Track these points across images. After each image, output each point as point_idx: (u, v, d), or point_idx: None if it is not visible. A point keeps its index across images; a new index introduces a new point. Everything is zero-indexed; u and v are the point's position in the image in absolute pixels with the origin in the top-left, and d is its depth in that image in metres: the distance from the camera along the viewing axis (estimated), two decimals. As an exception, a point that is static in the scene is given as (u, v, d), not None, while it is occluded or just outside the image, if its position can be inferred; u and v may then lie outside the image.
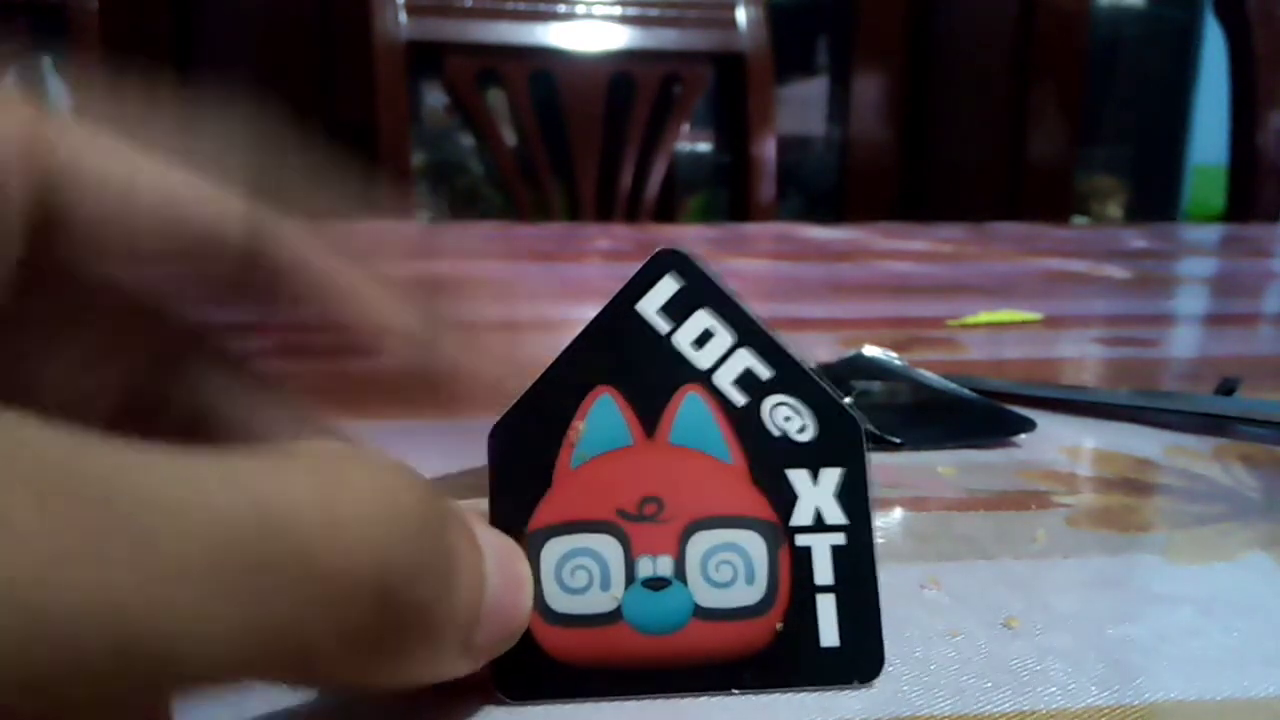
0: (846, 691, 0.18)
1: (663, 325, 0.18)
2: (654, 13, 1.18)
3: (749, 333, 0.18)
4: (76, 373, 0.16)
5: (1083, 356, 0.49)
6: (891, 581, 0.23)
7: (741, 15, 1.19)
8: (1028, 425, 0.34)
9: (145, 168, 0.14)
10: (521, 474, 0.18)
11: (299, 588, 0.11)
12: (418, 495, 0.13)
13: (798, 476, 0.18)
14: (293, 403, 0.19)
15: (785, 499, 0.18)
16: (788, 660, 0.18)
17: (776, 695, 0.18)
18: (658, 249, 0.19)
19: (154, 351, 0.17)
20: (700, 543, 0.18)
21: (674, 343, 0.18)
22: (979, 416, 0.35)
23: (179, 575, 0.10)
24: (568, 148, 1.17)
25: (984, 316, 0.56)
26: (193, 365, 0.17)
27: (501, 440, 0.18)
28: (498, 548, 0.16)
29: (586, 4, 1.17)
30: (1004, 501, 0.28)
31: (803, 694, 0.18)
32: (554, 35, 1.15)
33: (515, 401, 0.18)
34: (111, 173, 0.14)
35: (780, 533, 0.18)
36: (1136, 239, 1.02)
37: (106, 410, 0.17)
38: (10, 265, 0.13)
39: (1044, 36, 1.94)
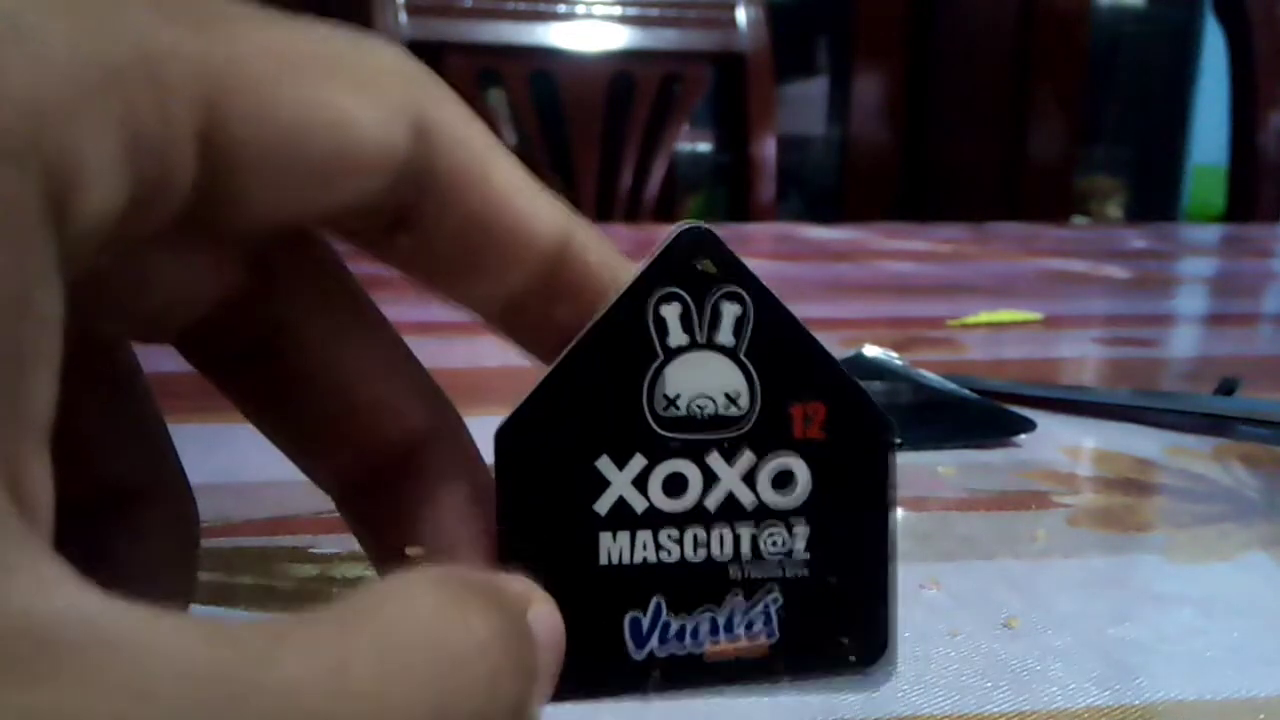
0: (847, 688, 0.18)
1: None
2: (654, 13, 1.18)
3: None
4: (175, 272, 0.15)
5: (1083, 356, 0.49)
6: (892, 581, 0.23)
7: (741, 15, 1.19)
8: (1028, 425, 0.34)
9: (309, 91, 0.13)
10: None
11: None
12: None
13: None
14: (392, 351, 0.17)
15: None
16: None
17: (779, 696, 0.18)
18: (677, 231, 0.17)
19: (261, 269, 0.16)
20: None
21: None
22: (979, 416, 0.35)
23: None
24: (568, 148, 1.17)
25: (984, 316, 0.56)
26: (296, 291, 0.16)
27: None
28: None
29: (586, 4, 1.17)
30: (1004, 501, 0.28)
31: (806, 695, 0.18)
32: (554, 35, 1.15)
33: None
34: (283, 97, 0.13)
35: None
36: (1136, 239, 1.02)
37: (191, 318, 0.16)
38: (179, 192, 0.12)
39: (1044, 36, 1.94)
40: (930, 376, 0.38)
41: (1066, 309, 0.61)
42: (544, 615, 0.15)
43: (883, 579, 0.18)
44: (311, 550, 0.25)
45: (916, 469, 0.31)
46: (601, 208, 1.20)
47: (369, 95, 0.13)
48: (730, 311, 0.17)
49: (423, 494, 0.17)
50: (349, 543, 0.25)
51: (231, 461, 0.30)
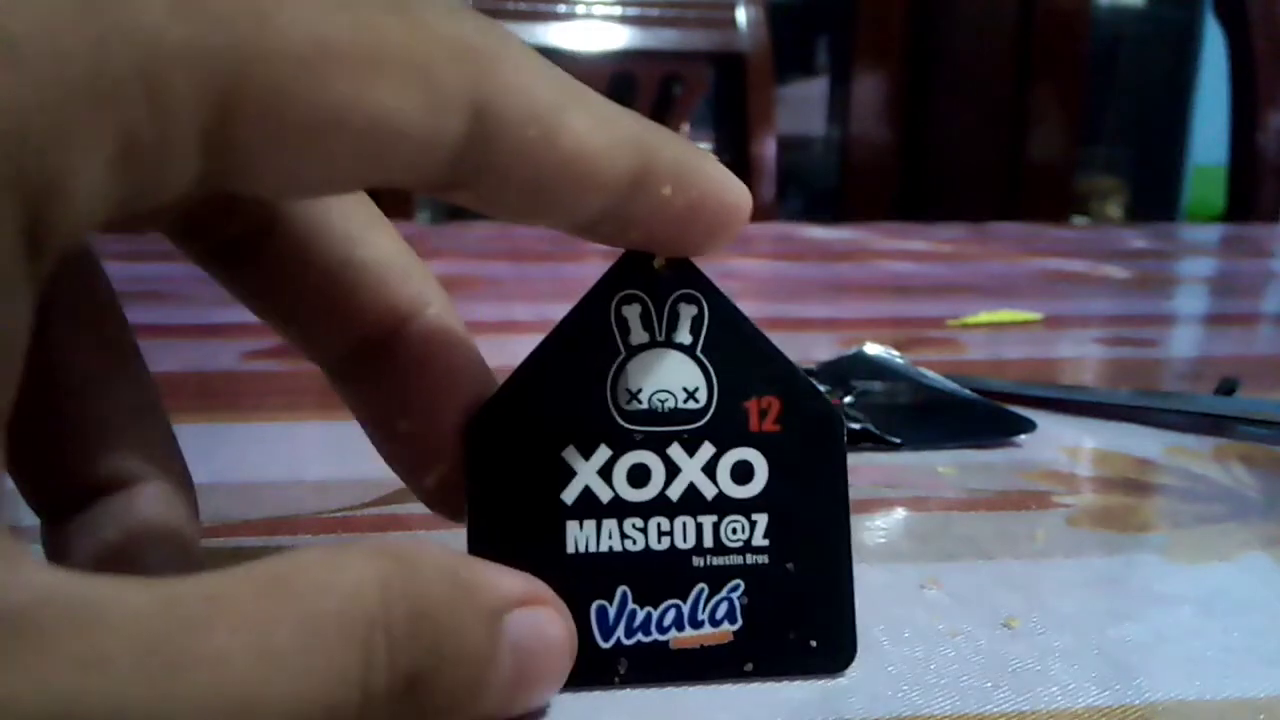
0: (842, 688, 0.18)
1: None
2: (654, 13, 1.18)
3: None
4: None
5: (1083, 356, 0.49)
6: (891, 581, 0.23)
7: (741, 15, 1.19)
8: (1028, 425, 0.34)
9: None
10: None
11: None
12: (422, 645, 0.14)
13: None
14: (375, 231, 0.18)
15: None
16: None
17: (778, 692, 0.18)
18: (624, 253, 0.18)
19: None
20: None
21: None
22: (979, 416, 0.35)
23: None
24: (568, 147, 1.17)
25: (984, 316, 0.56)
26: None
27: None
28: (526, 627, 0.16)
29: (586, 4, 1.17)
30: (1004, 501, 0.28)
31: (804, 692, 0.18)
32: (554, 35, 1.15)
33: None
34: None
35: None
36: (1136, 239, 1.02)
37: (172, 212, 0.16)
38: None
39: (1044, 36, 1.93)
40: (931, 376, 0.38)
41: (1066, 309, 0.61)
42: (528, 619, 0.16)
43: (842, 571, 0.19)
44: (311, 550, 0.25)
45: (916, 469, 0.31)
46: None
47: (415, 85, 0.13)
48: (687, 312, 0.19)
49: (408, 367, 0.18)
50: (348, 542, 0.25)
51: (231, 461, 0.30)
